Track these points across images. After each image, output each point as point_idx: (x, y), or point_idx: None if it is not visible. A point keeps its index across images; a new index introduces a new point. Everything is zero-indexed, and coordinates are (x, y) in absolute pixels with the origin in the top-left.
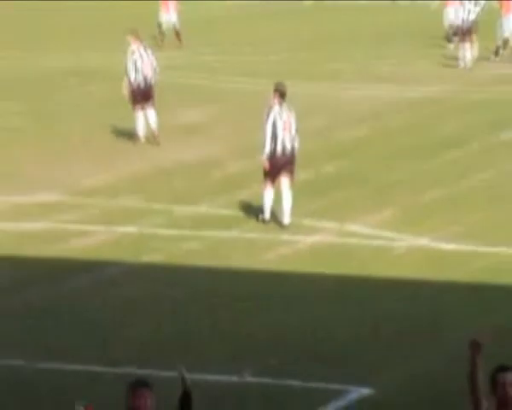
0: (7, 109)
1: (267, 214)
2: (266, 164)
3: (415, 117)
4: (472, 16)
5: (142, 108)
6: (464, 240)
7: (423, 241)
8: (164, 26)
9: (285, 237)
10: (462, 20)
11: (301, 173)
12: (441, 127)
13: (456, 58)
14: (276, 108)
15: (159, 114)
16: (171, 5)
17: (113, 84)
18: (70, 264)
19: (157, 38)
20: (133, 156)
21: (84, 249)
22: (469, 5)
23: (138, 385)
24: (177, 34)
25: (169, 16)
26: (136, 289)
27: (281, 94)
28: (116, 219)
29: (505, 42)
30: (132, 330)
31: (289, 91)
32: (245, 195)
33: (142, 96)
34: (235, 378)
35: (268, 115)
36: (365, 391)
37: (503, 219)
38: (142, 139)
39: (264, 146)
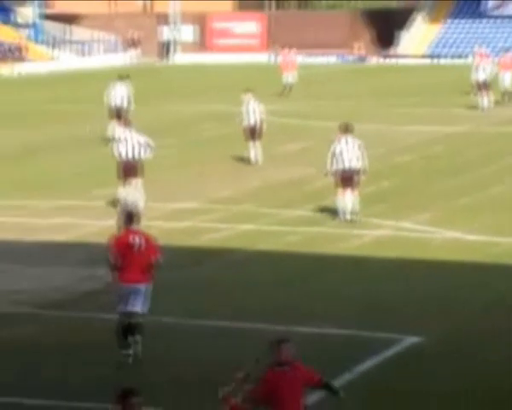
0: (163, 143)
1: (341, 215)
2: (330, 178)
3: (448, 147)
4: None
5: (253, 142)
6: (484, 233)
7: (455, 234)
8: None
9: (357, 231)
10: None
11: (367, 187)
12: (467, 154)
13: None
14: (341, 139)
15: (266, 145)
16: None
17: (232, 124)
18: (207, 252)
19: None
20: (249, 176)
21: (216, 241)
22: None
23: None
24: (290, 89)
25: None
26: (255, 269)
27: (342, 129)
28: (238, 220)
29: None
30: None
31: (359, 128)
32: (327, 202)
33: (252, 133)
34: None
35: (332, 145)
36: (414, 340)
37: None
38: (253, 163)
39: (326, 166)
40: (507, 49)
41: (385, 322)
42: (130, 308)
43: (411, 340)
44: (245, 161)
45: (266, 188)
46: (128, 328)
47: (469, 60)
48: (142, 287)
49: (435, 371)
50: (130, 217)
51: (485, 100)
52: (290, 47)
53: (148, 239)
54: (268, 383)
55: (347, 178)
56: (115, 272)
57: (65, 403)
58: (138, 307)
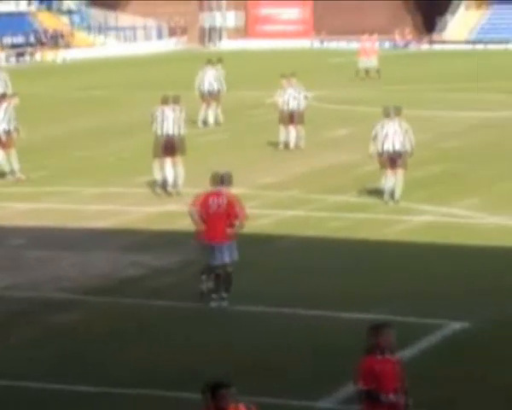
0: (215, 128)
1: (386, 196)
2: (375, 159)
3: (497, 132)
4: None
5: (293, 126)
6: None
7: (504, 219)
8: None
9: (403, 217)
10: None
11: (414, 172)
12: (510, 141)
13: None
14: (384, 122)
15: (313, 131)
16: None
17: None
18: (257, 237)
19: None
20: (295, 162)
21: (265, 227)
22: None
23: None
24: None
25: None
26: (305, 255)
27: (385, 114)
28: (285, 206)
29: None
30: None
31: (407, 114)
32: (373, 188)
33: (291, 118)
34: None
35: (374, 128)
36: (459, 325)
37: None
38: (292, 148)
39: (369, 148)
40: None
41: (433, 307)
42: (216, 262)
43: (461, 325)
44: (287, 146)
45: (312, 173)
46: (217, 279)
47: None
48: (224, 245)
49: (485, 357)
50: (213, 179)
51: None
52: (371, 33)
53: (230, 201)
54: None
55: (391, 161)
56: (198, 229)
57: (117, 390)
58: (226, 258)
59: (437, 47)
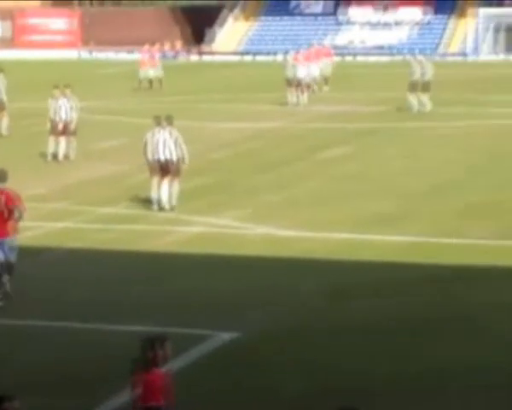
0: None
1: (154, 205)
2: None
3: (262, 143)
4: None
5: (65, 137)
6: (298, 228)
7: (271, 229)
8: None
9: (173, 228)
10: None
11: (184, 183)
12: (281, 150)
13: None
14: (155, 130)
15: (80, 142)
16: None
17: (42, 122)
18: (24, 249)
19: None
20: (62, 173)
21: (32, 239)
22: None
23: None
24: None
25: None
26: (69, 267)
27: (156, 123)
28: (51, 218)
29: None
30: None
31: (181, 125)
32: (144, 198)
33: (63, 129)
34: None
35: (144, 137)
36: (228, 336)
37: (324, 213)
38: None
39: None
40: (311, 44)
41: (202, 318)
42: None
43: (230, 335)
44: (56, 157)
45: (82, 185)
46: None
47: (281, 57)
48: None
49: (255, 366)
50: None
51: (299, 97)
52: (152, 44)
53: (8, 197)
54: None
55: (163, 169)
56: None
57: None
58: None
59: (206, 58)
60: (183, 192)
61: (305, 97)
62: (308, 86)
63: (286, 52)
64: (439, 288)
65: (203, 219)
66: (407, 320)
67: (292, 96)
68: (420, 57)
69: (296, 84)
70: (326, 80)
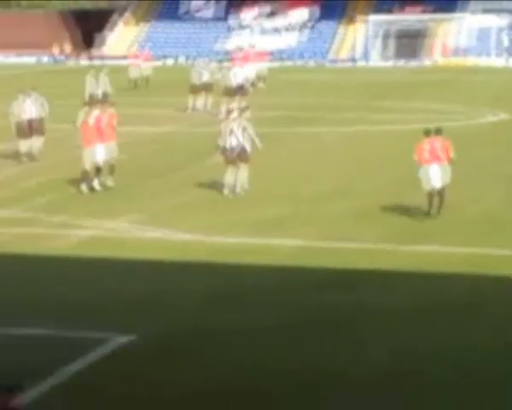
0: None
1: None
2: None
3: (157, 147)
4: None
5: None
6: (190, 232)
7: (162, 233)
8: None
9: (64, 231)
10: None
11: (71, 187)
12: (174, 154)
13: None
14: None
15: None
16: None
17: None
18: None
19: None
20: None
21: None
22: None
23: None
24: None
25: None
26: None
27: None
28: None
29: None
30: None
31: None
32: (36, 202)
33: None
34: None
35: None
36: (123, 339)
37: (218, 217)
38: None
39: None
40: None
41: (91, 321)
42: None
43: (120, 339)
44: None
45: None
46: None
47: (171, 61)
48: None
49: (148, 372)
50: None
51: (201, 102)
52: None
53: None
54: None
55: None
56: None
57: None
58: None
59: (97, 62)
60: (78, 196)
61: (208, 102)
62: (240, 88)
63: (194, 57)
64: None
65: (98, 222)
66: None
67: (195, 100)
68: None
69: (201, 89)
70: (263, 79)
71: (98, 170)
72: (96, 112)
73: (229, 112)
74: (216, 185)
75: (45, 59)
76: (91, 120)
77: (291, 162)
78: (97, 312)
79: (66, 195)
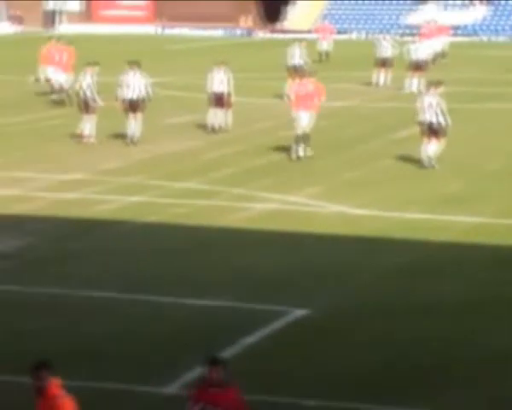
0: (61, 113)
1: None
2: None
3: (335, 122)
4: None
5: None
6: (369, 207)
7: (342, 208)
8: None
9: (245, 204)
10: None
11: (258, 160)
12: (354, 129)
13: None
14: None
15: (153, 118)
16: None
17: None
18: (97, 222)
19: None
20: (136, 148)
21: (105, 212)
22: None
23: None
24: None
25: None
26: (143, 240)
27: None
28: (127, 192)
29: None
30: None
31: (246, 102)
32: (217, 175)
33: (132, 106)
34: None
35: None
36: (302, 312)
37: (396, 192)
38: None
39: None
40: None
41: (272, 294)
42: None
43: (299, 313)
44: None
45: (154, 160)
46: None
47: (355, 36)
48: None
49: (321, 344)
50: None
51: (377, 76)
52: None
53: None
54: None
55: None
56: None
57: None
58: None
59: (279, 36)
60: (256, 169)
61: (388, 77)
62: (423, 63)
63: (376, 32)
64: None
65: (275, 196)
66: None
67: (379, 75)
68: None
69: (384, 63)
70: (443, 55)
71: (302, 138)
72: (300, 82)
73: (427, 87)
74: (399, 160)
75: (232, 32)
76: (297, 90)
77: (479, 138)
78: (277, 285)
79: (247, 168)
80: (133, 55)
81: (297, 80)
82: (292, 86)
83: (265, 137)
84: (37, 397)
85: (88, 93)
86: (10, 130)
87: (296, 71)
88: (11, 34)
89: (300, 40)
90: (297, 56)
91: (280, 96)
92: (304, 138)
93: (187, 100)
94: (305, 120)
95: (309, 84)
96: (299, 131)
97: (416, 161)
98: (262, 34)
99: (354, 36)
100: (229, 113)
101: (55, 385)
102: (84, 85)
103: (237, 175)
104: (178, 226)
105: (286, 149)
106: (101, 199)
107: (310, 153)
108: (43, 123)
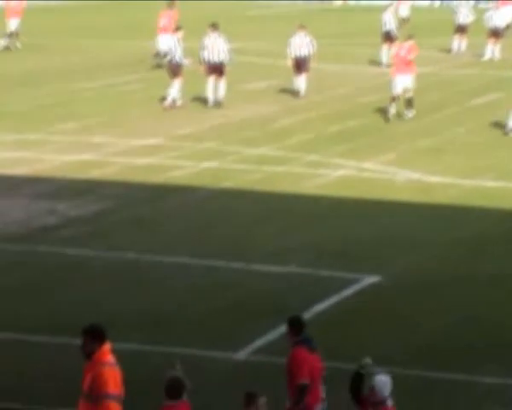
0: (128, 79)
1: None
2: None
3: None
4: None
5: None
6: (445, 175)
7: (417, 175)
8: None
9: (320, 171)
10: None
11: (331, 126)
12: (431, 96)
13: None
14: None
15: (230, 84)
16: None
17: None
18: (173, 187)
19: None
20: (211, 114)
21: (179, 178)
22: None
23: None
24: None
25: None
26: (218, 206)
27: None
28: (201, 157)
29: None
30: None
31: (323, 68)
32: (291, 141)
33: (215, 69)
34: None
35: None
36: (374, 279)
37: (469, 160)
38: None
39: None
40: None
41: (346, 261)
42: None
43: (371, 279)
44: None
45: (230, 126)
46: None
47: (438, 3)
48: None
49: (393, 310)
50: None
51: (457, 43)
52: None
53: None
54: None
55: None
56: None
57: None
58: None
59: (363, 3)
60: (330, 136)
61: (463, 44)
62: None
63: None
64: None
65: (347, 162)
66: None
67: (460, 42)
68: None
69: (461, 30)
70: None
71: (399, 99)
72: (400, 45)
73: None
74: (476, 127)
75: None
76: (398, 52)
77: None
78: (349, 253)
79: (320, 134)
80: (214, 19)
81: (397, 43)
82: (392, 50)
83: (340, 103)
84: (85, 360)
85: (176, 57)
86: (88, 95)
87: (390, 37)
88: None
89: (390, 5)
90: (391, 22)
91: (373, 62)
92: (407, 102)
93: (265, 66)
94: (407, 83)
95: (407, 47)
96: (399, 92)
97: (494, 129)
98: (342, 1)
99: (436, 4)
100: (304, 77)
101: (104, 351)
102: (173, 49)
103: (310, 141)
104: (252, 193)
105: (363, 115)
106: (176, 164)
107: (411, 114)
108: (121, 88)
